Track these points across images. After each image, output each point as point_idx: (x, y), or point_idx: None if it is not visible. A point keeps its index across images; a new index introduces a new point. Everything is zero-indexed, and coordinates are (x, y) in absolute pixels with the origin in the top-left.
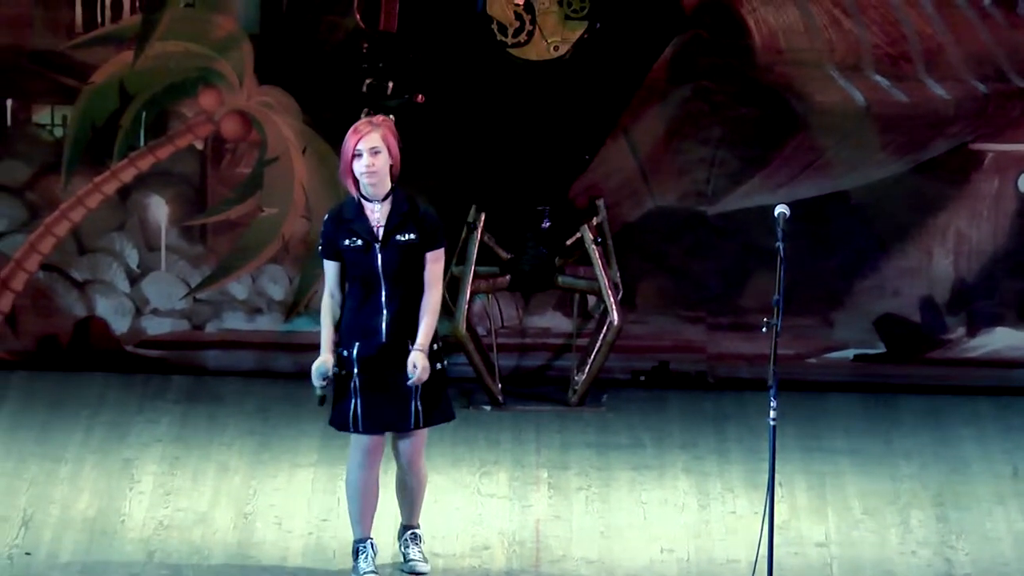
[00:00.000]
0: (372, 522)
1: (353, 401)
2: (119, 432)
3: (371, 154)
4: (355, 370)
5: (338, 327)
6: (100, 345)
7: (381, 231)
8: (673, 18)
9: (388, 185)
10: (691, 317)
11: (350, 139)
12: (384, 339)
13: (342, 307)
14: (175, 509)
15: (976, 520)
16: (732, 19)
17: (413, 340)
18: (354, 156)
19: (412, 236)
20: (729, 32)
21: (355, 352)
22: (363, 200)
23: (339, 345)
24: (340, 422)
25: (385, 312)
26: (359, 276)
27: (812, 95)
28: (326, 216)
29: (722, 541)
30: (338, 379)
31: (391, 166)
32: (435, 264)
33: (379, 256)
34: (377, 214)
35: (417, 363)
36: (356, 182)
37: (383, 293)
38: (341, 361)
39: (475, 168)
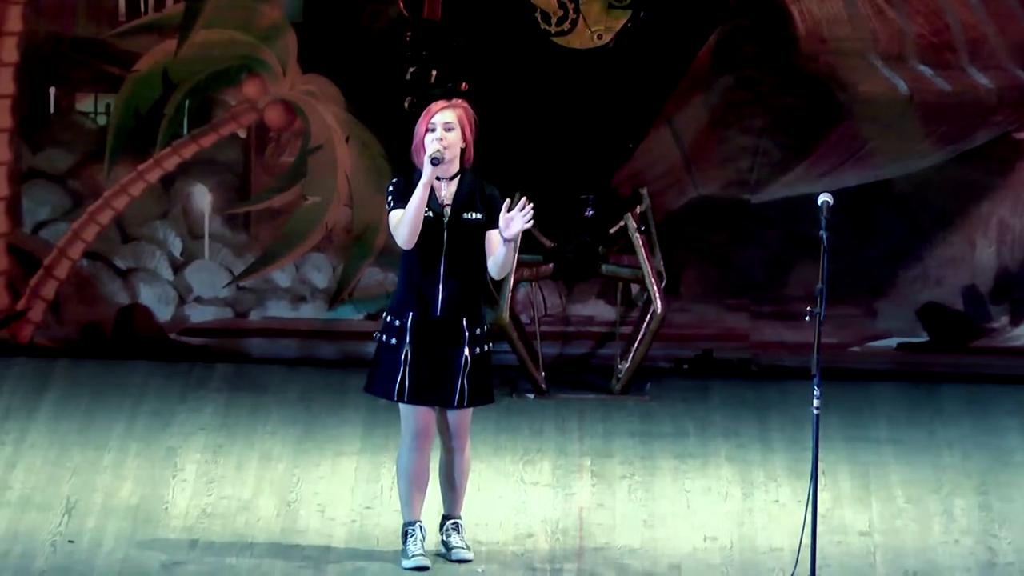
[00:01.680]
0: (422, 506)
1: (401, 370)
2: (162, 420)
3: (444, 128)
4: (407, 339)
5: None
6: (143, 333)
7: (448, 209)
8: (717, 7)
9: (457, 166)
10: (734, 306)
11: (425, 114)
12: (439, 313)
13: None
14: (218, 497)
15: (1019, 509)
16: (776, 8)
17: (467, 317)
18: (427, 130)
19: (478, 215)
20: (772, 21)
21: (408, 322)
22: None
23: (391, 315)
24: (384, 390)
25: (442, 288)
26: (421, 247)
27: (855, 84)
28: (395, 179)
29: (765, 529)
30: (385, 348)
31: (463, 149)
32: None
33: (445, 233)
34: (444, 192)
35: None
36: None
37: (442, 269)
38: (392, 330)
39: (519, 156)
